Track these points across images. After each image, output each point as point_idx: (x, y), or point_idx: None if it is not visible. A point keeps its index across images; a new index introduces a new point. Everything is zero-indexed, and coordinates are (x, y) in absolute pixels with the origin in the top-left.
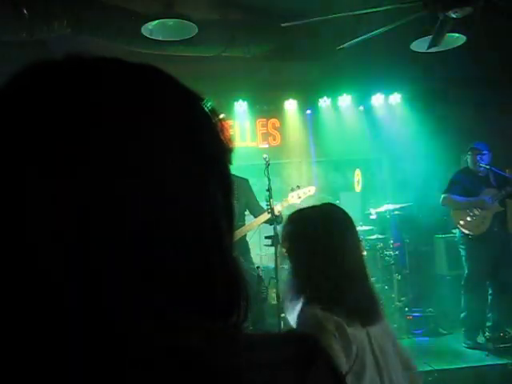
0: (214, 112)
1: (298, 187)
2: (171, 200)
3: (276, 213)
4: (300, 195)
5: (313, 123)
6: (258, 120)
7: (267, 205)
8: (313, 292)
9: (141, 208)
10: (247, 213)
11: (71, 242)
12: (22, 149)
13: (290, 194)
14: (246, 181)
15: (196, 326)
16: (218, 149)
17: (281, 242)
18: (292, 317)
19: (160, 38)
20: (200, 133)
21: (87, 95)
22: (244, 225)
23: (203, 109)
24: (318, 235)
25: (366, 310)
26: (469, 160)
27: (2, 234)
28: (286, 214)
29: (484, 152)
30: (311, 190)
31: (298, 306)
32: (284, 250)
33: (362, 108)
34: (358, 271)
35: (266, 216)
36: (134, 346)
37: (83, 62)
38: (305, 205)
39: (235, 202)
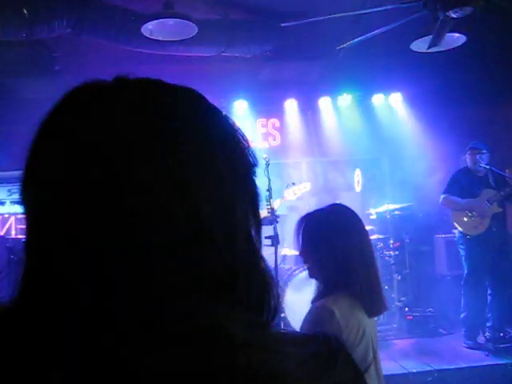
0: (239, 129)
1: (294, 184)
2: (200, 212)
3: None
4: (295, 192)
5: (313, 123)
6: (258, 120)
7: (267, 205)
8: (329, 282)
9: (163, 220)
10: None
11: (87, 247)
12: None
13: (286, 191)
14: None
15: (215, 325)
16: (245, 164)
17: (298, 243)
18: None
19: (160, 38)
20: (229, 150)
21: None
22: None
23: (233, 127)
24: (331, 233)
25: (374, 300)
26: (468, 160)
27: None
28: (283, 212)
29: (484, 152)
30: (306, 187)
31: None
32: (299, 251)
33: (361, 108)
34: (368, 265)
35: (263, 214)
36: (134, 347)
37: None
38: (300, 201)
39: None
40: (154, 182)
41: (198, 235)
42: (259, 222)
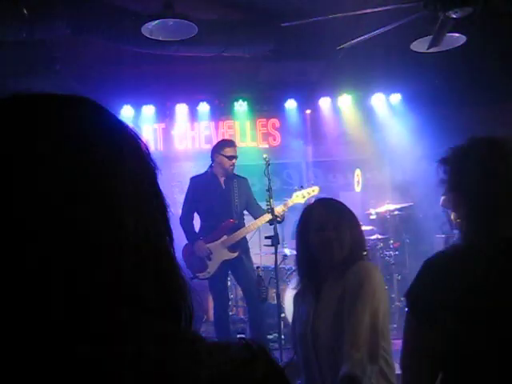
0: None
1: (302, 187)
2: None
3: (281, 212)
4: (304, 195)
5: (313, 123)
6: (258, 120)
7: (267, 205)
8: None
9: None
10: (245, 212)
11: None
12: None
13: (295, 194)
14: (246, 180)
15: (151, 332)
16: (144, 171)
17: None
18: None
19: (160, 38)
20: (128, 160)
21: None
22: (243, 225)
23: (131, 135)
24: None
25: None
26: None
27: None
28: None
29: None
30: (315, 190)
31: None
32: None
33: (361, 108)
34: None
35: (268, 216)
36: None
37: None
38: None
39: (236, 201)
40: (52, 192)
41: (95, 242)
42: (167, 222)
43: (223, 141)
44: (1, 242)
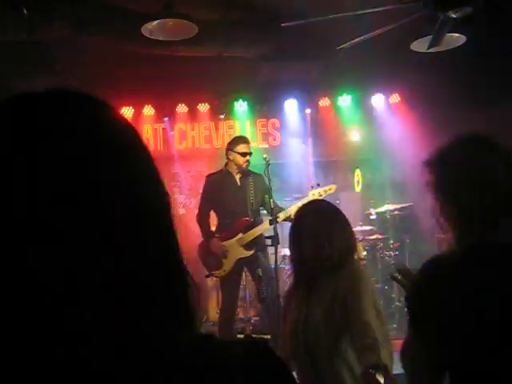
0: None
1: (319, 185)
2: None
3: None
4: (321, 193)
5: (313, 123)
6: (258, 120)
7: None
8: None
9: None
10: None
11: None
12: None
13: (311, 192)
14: (261, 176)
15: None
16: (147, 170)
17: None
18: None
19: (160, 38)
20: (131, 160)
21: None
22: (260, 221)
23: (135, 134)
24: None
25: None
26: None
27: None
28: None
29: None
30: (332, 189)
31: None
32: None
33: (361, 108)
34: None
35: (285, 214)
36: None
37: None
38: None
39: (251, 198)
40: (67, 190)
41: (106, 242)
42: (170, 221)
43: (236, 138)
44: (1, 242)
